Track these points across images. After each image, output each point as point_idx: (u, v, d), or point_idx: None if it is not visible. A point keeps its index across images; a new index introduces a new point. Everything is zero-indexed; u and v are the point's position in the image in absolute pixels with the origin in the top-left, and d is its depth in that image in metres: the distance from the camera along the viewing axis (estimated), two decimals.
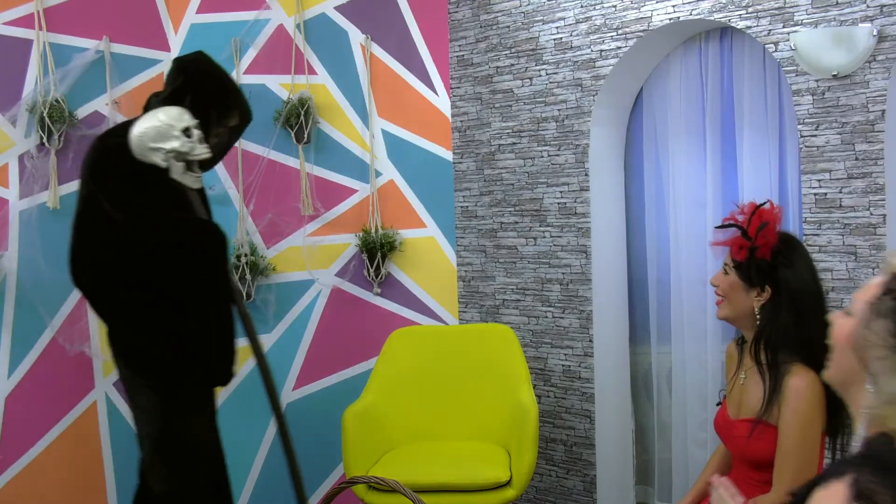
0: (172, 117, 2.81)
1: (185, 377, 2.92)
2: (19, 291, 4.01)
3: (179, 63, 3.05)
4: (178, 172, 2.83)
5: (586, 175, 4.17)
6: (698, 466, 4.06)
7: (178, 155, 2.82)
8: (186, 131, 2.82)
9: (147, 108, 3.02)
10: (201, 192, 2.99)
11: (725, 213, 4.05)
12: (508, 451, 3.89)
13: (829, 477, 1.41)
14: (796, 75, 3.49)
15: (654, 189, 4.32)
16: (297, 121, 4.36)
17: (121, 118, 4.20)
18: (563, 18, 4.20)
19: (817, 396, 2.44)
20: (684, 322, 4.16)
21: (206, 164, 3.05)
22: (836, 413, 2.48)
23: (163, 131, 2.79)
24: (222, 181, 4.40)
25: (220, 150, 3.11)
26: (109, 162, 2.89)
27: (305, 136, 4.39)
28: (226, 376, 2.99)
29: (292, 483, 2.97)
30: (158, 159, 2.82)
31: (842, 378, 1.60)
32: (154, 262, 2.83)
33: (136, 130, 2.83)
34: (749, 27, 3.62)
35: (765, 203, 2.65)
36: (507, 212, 4.45)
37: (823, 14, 3.40)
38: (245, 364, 4.43)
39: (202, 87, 3.01)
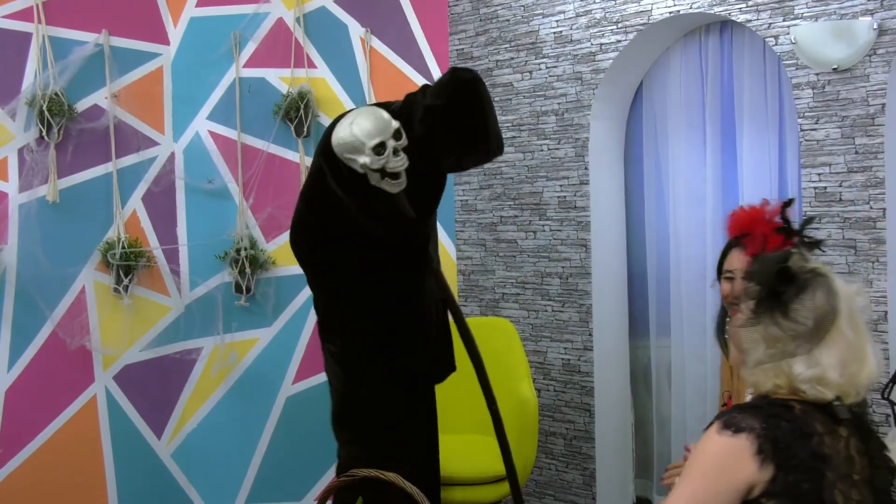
0: (365, 132, 2.73)
1: (373, 352, 2.98)
2: (19, 285, 4.01)
3: (454, 84, 2.91)
4: (374, 180, 2.79)
5: (586, 169, 4.17)
6: None
7: (371, 169, 2.78)
8: (379, 147, 2.74)
9: (408, 101, 2.95)
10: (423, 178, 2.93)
11: (725, 207, 4.07)
12: None
13: (706, 427, 1.71)
14: (796, 69, 3.49)
15: (654, 183, 4.32)
16: (297, 114, 4.35)
17: (119, 112, 4.20)
18: (563, 12, 4.19)
19: None
20: (684, 316, 4.17)
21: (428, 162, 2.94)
22: None
23: (355, 146, 2.74)
24: (222, 175, 4.40)
25: (450, 169, 3.05)
26: None
27: (305, 129, 4.38)
28: (428, 366, 3.04)
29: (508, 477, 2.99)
30: (355, 167, 2.80)
31: (735, 361, 1.85)
32: (362, 247, 2.88)
33: (335, 136, 2.80)
34: (749, 20, 3.61)
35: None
36: (506, 205, 4.45)
37: (824, 7, 3.40)
38: (245, 357, 4.43)
39: (458, 114, 2.90)
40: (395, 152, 2.77)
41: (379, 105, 3.15)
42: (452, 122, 2.90)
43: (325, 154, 2.91)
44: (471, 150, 3.00)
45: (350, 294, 3.00)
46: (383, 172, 2.77)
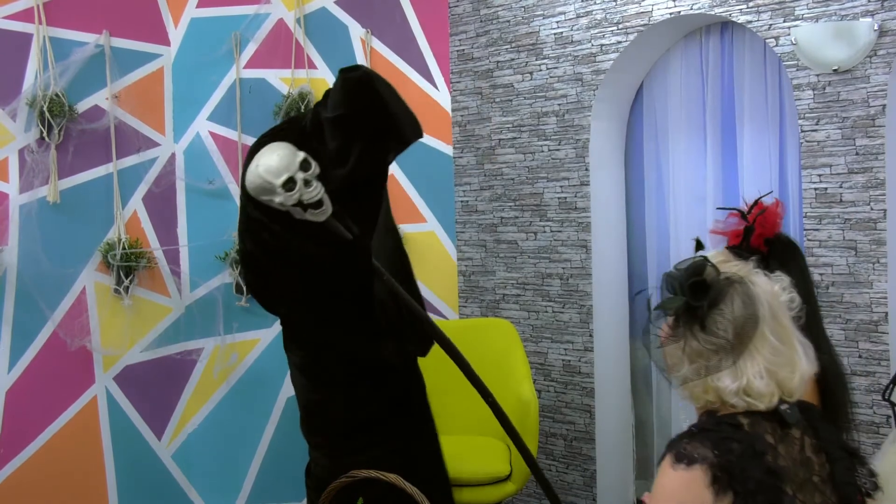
0: (271, 172, 2.67)
1: (333, 356, 3.03)
2: (20, 285, 4.01)
3: (346, 87, 2.85)
4: (298, 214, 2.74)
5: (586, 170, 4.17)
6: None
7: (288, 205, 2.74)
8: (288, 183, 2.69)
9: (316, 113, 2.91)
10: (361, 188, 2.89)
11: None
12: (508, 446, 3.90)
13: (661, 458, 1.67)
14: (797, 70, 3.49)
15: (655, 183, 4.32)
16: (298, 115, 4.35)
17: (120, 112, 4.20)
18: (564, 13, 4.19)
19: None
20: None
21: (365, 183, 2.89)
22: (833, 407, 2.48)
23: (265, 188, 2.70)
24: (222, 176, 4.40)
25: (368, 173, 2.93)
26: None
27: None
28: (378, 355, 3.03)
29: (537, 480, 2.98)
30: (276, 206, 2.75)
31: (677, 383, 1.75)
32: (306, 272, 2.91)
33: (247, 182, 2.75)
34: (750, 21, 3.62)
35: (768, 194, 2.64)
36: (507, 206, 4.45)
37: (824, 8, 3.40)
38: (245, 358, 4.43)
39: (361, 117, 2.84)
40: (307, 183, 2.71)
41: (290, 122, 3.11)
42: (358, 126, 2.84)
43: (244, 185, 2.86)
44: (386, 146, 2.92)
45: (306, 310, 3.03)
46: (303, 205, 2.73)
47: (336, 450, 3.09)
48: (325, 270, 2.89)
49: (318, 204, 2.72)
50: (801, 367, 1.70)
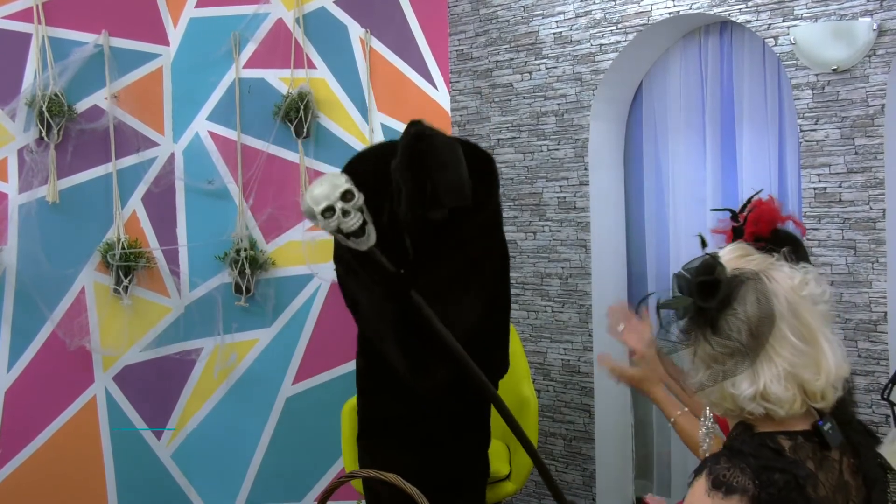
0: (314, 199, 2.77)
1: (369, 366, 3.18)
2: (19, 285, 4.02)
3: (402, 139, 2.99)
4: (342, 240, 2.85)
5: (586, 169, 4.17)
6: (697, 461, 4.06)
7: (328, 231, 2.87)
8: (327, 211, 2.78)
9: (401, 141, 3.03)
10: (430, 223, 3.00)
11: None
12: (508, 446, 3.90)
13: (694, 475, 1.57)
14: (796, 69, 3.49)
15: (654, 183, 4.32)
16: (297, 115, 4.36)
17: (119, 112, 4.21)
18: (563, 12, 4.19)
19: None
20: None
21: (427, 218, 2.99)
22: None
23: (310, 213, 2.81)
24: (222, 176, 4.40)
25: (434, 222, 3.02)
26: None
27: (305, 130, 4.38)
28: (413, 383, 3.08)
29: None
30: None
31: (694, 390, 1.63)
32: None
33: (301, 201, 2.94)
34: (749, 21, 3.62)
35: (759, 192, 2.60)
36: (506, 206, 4.45)
37: (823, 8, 3.40)
38: (245, 358, 4.44)
39: (404, 168, 2.98)
40: (345, 213, 2.79)
41: (389, 143, 3.25)
42: (402, 177, 2.98)
43: None
44: (416, 207, 3.02)
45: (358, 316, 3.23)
46: (343, 233, 2.82)
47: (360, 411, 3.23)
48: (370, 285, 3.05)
49: (358, 233, 2.82)
50: (827, 367, 1.56)
